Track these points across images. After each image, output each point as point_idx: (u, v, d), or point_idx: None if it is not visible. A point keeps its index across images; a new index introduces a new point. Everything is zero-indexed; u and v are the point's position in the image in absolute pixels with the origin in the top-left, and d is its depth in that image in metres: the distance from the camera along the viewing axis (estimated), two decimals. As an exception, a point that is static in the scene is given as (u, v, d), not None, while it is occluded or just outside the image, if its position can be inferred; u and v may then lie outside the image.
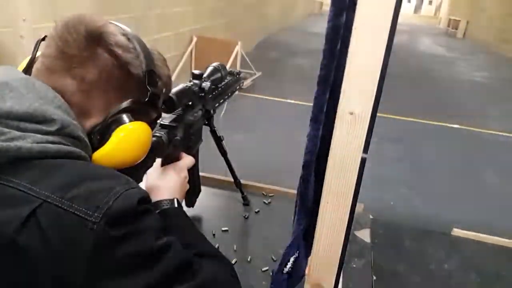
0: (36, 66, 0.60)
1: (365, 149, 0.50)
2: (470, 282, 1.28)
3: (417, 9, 20.56)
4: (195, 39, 5.07)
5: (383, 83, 0.47)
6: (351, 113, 0.49)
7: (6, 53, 2.23)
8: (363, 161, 0.51)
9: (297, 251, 0.66)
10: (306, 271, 0.65)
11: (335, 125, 0.50)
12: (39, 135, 0.51)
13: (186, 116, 0.92)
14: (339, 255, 0.60)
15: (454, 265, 1.34)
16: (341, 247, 0.59)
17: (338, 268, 0.61)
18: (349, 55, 0.47)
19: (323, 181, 0.54)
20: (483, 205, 2.95)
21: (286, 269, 0.65)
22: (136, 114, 0.62)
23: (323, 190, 0.55)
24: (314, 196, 0.64)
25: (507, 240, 1.48)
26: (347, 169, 0.52)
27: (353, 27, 0.46)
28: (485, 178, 3.42)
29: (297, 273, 0.67)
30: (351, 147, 0.51)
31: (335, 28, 0.52)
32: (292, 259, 0.65)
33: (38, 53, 0.62)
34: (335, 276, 0.62)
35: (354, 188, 0.53)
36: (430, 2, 20.10)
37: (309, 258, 0.65)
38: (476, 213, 2.78)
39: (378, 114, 0.50)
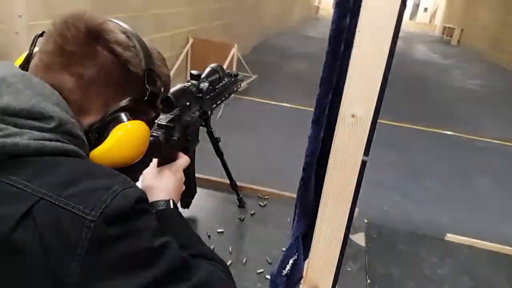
0: (34, 62, 0.60)
1: (366, 152, 0.50)
2: (463, 286, 1.29)
3: (413, 15, 20.75)
4: (191, 40, 5.06)
5: (386, 86, 0.47)
6: (353, 116, 0.49)
7: (1, 49, 2.21)
8: (363, 164, 0.51)
9: (296, 253, 0.65)
10: (303, 274, 0.65)
11: (337, 127, 0.50)
12: (36, 132, 0.50)
13: (184, 116, 0.91)
14: (337, 258, 0.59)
15: (447, 269, 1.35)
16: (339, 250, 0.59)
17: (336, 271, 0.61)
18: (352, 57, 0.47)
19: (323, 183, 0.54)
20: (475, 211, 2.97)
21: (285, 271, 0.64)
22: (134, 113, 0.62)
23: (322, 192, 0.54)
24: (314, 198, 0.64)
25: (499, 246, 1.50)
26: (347, 172, 0.52)
27: (357, 30, 0.46)
28: (477, 184, 3.45)
29: (296, 275, 0.66)
30: (352, 149, 0.51)
31: (339, 30, 0.53)
32: (291, 261, 0.64)
33: (36, 49, 0.62)
34: (332, 279, 0.61)
35: (354, 191, 0.53)
36: (425, 9, 20.28)
37: (306, 261, 0.65)
38: (469, 219, 2.80)
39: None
